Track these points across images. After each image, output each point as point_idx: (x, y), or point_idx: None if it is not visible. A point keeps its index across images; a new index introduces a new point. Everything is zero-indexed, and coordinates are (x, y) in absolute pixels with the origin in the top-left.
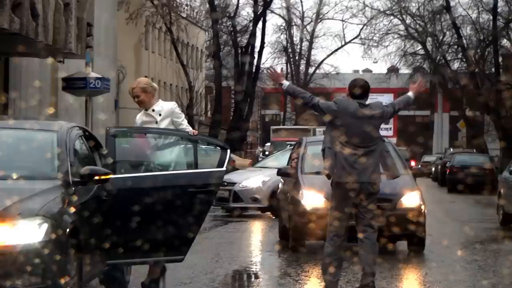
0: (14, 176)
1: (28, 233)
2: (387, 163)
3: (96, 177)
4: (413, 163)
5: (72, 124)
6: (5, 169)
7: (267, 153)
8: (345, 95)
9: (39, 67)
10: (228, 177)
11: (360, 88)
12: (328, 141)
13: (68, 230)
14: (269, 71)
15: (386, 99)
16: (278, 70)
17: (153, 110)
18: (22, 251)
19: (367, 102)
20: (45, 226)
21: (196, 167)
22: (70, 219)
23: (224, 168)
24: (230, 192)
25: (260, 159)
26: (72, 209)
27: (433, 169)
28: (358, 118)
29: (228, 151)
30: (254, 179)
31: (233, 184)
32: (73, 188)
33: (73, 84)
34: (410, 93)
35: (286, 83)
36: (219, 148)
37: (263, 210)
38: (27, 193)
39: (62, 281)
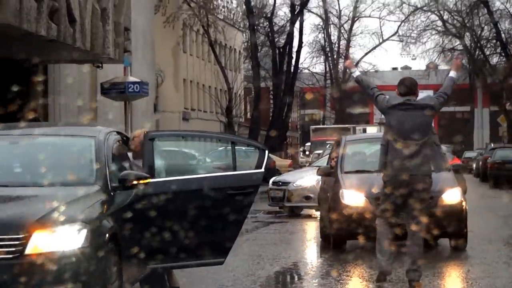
0: (53, 182)
1: (68, 239)
2: (435, 157)
3: (135, 182)
4: (455, 160)
5: (110, 129)
6: (44, 175)
7: (307, 153)
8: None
9: (78, 73)
10: (283, 177)
11: (405, 86)
12: (382, 138)
13: (107, 235)
14: (344, 59)
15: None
16: (350, 60)
17: None
18: (62, 257)
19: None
20: (84, 231)
21: (235, 169)
22: (110, 224)
23: (262, 170)
24: (284, 192)
25: (300, 158)
26: (112, 214)
27: (475, 165)
28: (406, 111)
29: (266, 152)
30: (307, 178)
31: (287, 184)
32: (112, 193)
33: (112, 89)
34: (451, 73)
35: (357, 72)
36: (257, 149)
37: (317, 208)
38: (66, 199)
39: (103, 287)
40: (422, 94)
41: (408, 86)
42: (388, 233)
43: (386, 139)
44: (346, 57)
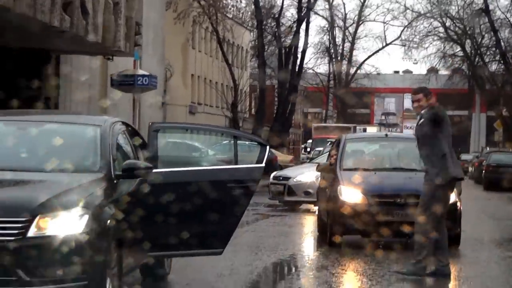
0: (58, 168)
1: (69, 224)
2: None
3: (138, 171)
4: None
5: (115, 119)
6: (49, 161)
7: (308, 149)
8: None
9: (89, 64)
10: (284, 172)
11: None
12: (442, 146)
13: (108, 222)
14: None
15: None
16: None
17: None
18: (63, 242)
19: None
20: (86, 217)
21: (236, 163)
22: (111, 211)
23: (263, 164)
24: (285, 187)
25: (302, 155)
26: (114, 202)
27: (470, 167)
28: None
29: (267, 147)
30: (307, 174)
31: (288, 178)
32: (114, 182)
33: (122, 81)
34: None
35: None
36: (259, 144)
37: (316, 203)
38: (69, 185)
39: (103, 272)
40: None
41: None
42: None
43: (445, 147)
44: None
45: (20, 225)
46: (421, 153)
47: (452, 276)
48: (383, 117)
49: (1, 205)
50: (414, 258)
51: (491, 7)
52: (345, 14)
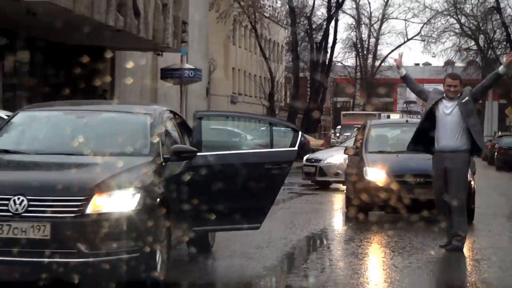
0: (113, 152)
1: (123, 202)
2: None
3: (184, 154)
4: None
5: (164, 108)
6: (105, 146)
7: (337, 134)
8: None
9: (141, 59)
10: (315, 155)
11: None
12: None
13: (158, 200)
14: (396, 58)
15: (442, 89)
16: (400, 59)
17: None
18: (117, 218)
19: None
20: (138, 196)
21: (272, 147)
22: (160, 191)
23: (296, 148)
24: (316, 168)
25: (332, 140)
26: (162, 182)
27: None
28: None
29: (300, 133)
30: (337, 156)
31: (319, 161)
32: (163, 164)
33: (170, 74)
34: (500, 67)
35: (404, 71)
36: (292, 130)
37: (344, 183)
38: (123, 168)
39: (153, 245)
40: (439, 88)
41: None
42: None
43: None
44: (399, 57)
45: (79, 203)
46: (471, 126)
47: (466, 247)
48: (405, 105)
49: (62, 185)
50: (457, 233)
51: (502, 5)
52: (370, 13)
